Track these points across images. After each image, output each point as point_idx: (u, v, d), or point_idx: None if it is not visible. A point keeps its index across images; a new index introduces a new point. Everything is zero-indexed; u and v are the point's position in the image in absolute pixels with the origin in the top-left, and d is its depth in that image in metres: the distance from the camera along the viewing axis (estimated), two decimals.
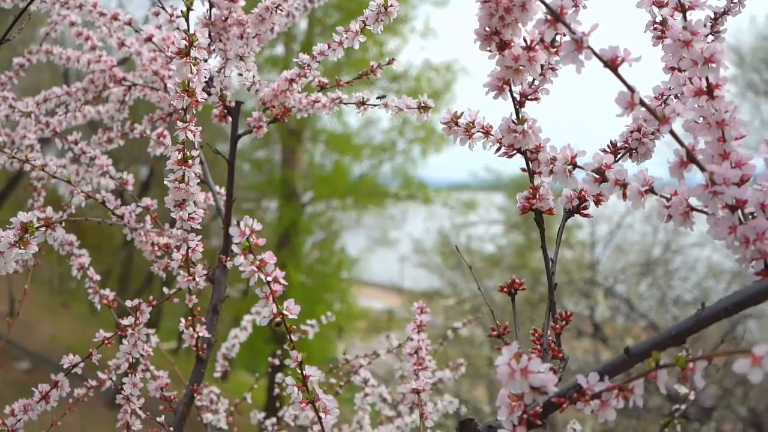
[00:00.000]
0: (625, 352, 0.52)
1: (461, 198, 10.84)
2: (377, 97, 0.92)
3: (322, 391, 0.64)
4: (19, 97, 1.19)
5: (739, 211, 0.52)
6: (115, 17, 1.08)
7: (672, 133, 0.51)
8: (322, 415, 0.64)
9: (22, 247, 0.67)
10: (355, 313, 11.10)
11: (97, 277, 1.10)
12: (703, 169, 0.51)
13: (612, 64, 0.50)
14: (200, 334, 0.96)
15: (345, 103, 0.97)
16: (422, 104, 0.82)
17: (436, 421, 1.28)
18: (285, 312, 0.63)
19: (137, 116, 1.34)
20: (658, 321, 6.42)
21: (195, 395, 0.98)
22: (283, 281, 0.62)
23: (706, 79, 0.53)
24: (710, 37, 0.71)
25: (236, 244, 0.61)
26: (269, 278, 0.62)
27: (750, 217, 0.51)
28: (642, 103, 0.50)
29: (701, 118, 0.54)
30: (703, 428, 5.44)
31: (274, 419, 1.33)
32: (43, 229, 0.65)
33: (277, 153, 11.59)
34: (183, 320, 0.96)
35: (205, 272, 0.90)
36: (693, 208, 0.54)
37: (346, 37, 0.89)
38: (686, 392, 1.10)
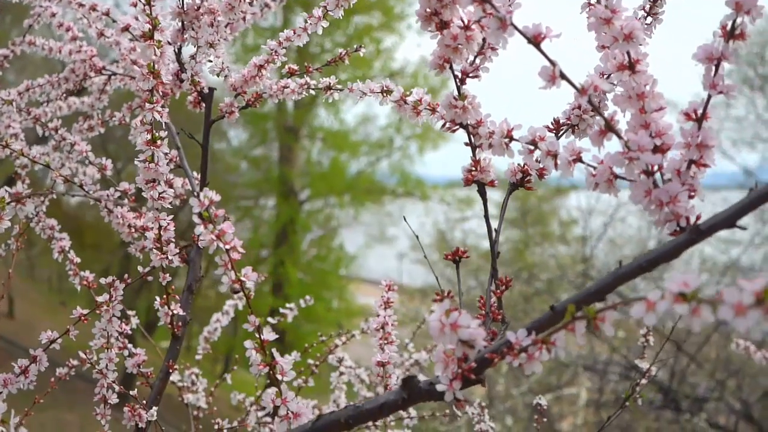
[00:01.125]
0: (551, 309, 0.56)
1: (458, 195, 10.88)
2: (339, 83, 0.96)
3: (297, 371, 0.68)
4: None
5: (658, 176, 0.56)
6: (93, 8, 1.12)
7: (591, 103, 0.55)
8: (279, 377, 0.68)
9: None
10: (353, 310, 11.11)
11: (78, 260, 1.14)
12: (620, 138, 0.55)
13: (535, 40, 0.54)
14: (175, 312, 1.00)
15: (313, 89, 1.01)
16: (385, 88, 0.86)
17: None
18: (243, 279, 0.66)
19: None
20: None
21: (170, 371, 1.02)
22: (241, 249, 0.66)
23: (628, 54, 0.57)
24: (649, 19, 0.75)
25: (196, 214, 0.64)
26: (228, 246, 0.65)
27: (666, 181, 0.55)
28: (562, 76, 0.54)
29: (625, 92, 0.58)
30: (694, 419, 5.49)
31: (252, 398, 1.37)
32: (13, 204, 0.69)
33: (274, 151, 11.63)
34: (158, 299, 1.00)
35: (177, 251, 0.93)
36: (616, 176, 0.58)
37: (310, 23, 0.93)
38: (647, 367, 1.14)
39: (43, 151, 1.21)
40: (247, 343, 0.68)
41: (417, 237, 1.05)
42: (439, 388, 0.58)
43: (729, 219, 0.51)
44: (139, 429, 0.99)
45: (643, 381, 1.12)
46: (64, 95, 1.23)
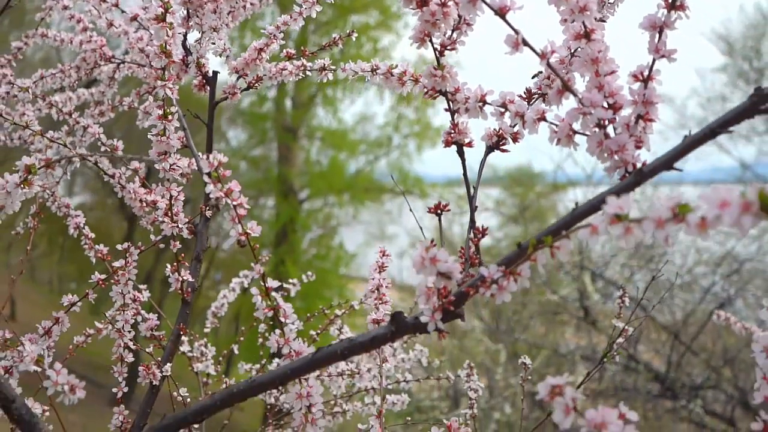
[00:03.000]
0: (518, 246, 0.64)
1: (458, 192, 10.95)
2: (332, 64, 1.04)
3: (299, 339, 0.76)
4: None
5: (611, 129, 0.64)
6: (102, 0, 1.20)
7: (550, 66, 0.63)
8: (282, 319, 0.76)
9: (25, 187, 0.79)
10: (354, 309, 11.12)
11: (92, 235, 1.22)
12: (575, 95, 0.63)
13: (501, 12, 0.62)
14: (185, 278, 1.08)
15: (309, 71, 1.09)
16: (374, 67, 0.94)
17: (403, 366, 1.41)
18: (249, 231, 0.75)
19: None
20: (647, 305, 6.55)
21: (181, 333, 1.10)
22: (246, 206, 0.74)
23: (583, 24, 0.65)
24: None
25: (206, 174, 0.72)
26: (235, 203, 0.74)
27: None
28: (525, 42, 0.62)
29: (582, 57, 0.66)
30: (690, 405, 5.57)
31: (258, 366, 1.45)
32: (44, 169, 0.77)
33: (273, 151, 11.71)
34: (169, 266, 1.08)
35: (186, 220, 1.02)
36: (575, 131, 0.66)
37: (305, 8, 1.02)
38: (621, 326, 1.22)
39: (56, 136, 1.30)
40: (254, 290, 0.76)
41: (421, 228, 1.11)
42: (423, 319, 0.66)
43: (667, 162, 0.59)
44: (153, 387, 1.07)
45: (620, 339, 1.20)
46: (75, 84, 1.31)
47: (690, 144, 0.58)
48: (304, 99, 11.43)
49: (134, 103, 1.31)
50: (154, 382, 1.07)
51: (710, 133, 0.57)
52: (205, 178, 0.73)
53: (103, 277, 1.02)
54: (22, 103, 1.40)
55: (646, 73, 0.64)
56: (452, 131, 0.74)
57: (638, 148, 0.63)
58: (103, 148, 1.21)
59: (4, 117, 1.11)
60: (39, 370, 0.75)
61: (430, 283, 0.65)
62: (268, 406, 1.47)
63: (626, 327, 1.20)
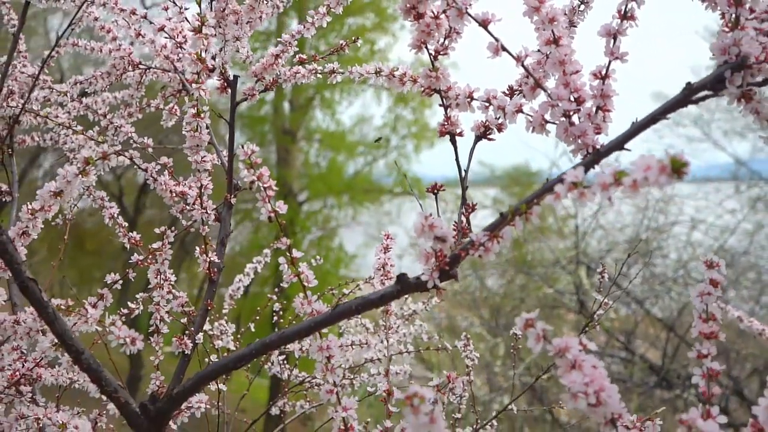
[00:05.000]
0: (500, 215, 0.78)
1: (457, 193, 11.07)
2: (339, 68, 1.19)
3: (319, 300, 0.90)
4: None
5: (576, 118, 0.79)
6: (133, 12, 1.34)
7: (524, 67, 0.77)
8: (305, 284, 0.90)
9: (84, 176, 0.93)
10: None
11: (126, 224, 1.36)
12: (545, 91, 0.77)
13: (484, 23, 0.77)
14: (212, 259, 1.22)
15: (319, 73, 1.24)
16: (378, 69, 1.08)
17: (405, 339, 1.55)
18: (277, 208, 0.89)
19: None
20: (641, 297, 6.71)
21: (209, 308, 1.24)
22: (275, 188, 0.88)
23: (552, 32, 0.79)
24: (582, 6, 0.97)
25: (242, 160, 0.87)
26: (265, 185, 0.88)
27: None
28: (503, 48, 0.76)
29: (550, 60, 0.80)
30: (684, 395, 5.72)
31: None
32: (101, 160, 0.91)
33: (272, 153, 11.83)
34: (197, 249, 1.22)
35: (214, 206, 1.16)
36: (546, 121, 0.80)
37: (317, 18, 1.16)
38: (601, 301, 1.36)
39: (90, 135, 1.44)
40: (281, 259, 0.90)
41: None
42: (423, 277, 0.80)
43: (618, 143, 0.73)
44: (185, 355, 1.21)
45: (600, 311, 1.34)
46: (107, 88, 1.45)
47: (636, 128, 0.72)
48: (302, 101, 11.58)
49: (160, 105, 1.45)
50: (186, 351, 1.21)
51: (652, 119, 0.71)
52: (240, 165, 0.87)
53: (141, 258, 1.16)
54: (56, 106, 1.54)
55: (603, 72, 0.78)
56: (445, 123, 0.88)
57: (597, 133, 0.77)
58: (134, 146, 1.35)
59: (50, 119, 1.25)
60: (100, 330, 0.89)
61: (428, 247, 0.79)
62: (282, 381, 1.61)
63: (605, 300, 1.34)
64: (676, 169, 0.54)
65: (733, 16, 0.69)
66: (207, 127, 1.07)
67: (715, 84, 0.70)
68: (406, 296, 1.82)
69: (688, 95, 0.70)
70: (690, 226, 7.63)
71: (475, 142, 0.94)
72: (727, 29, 0.70)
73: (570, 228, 8.97)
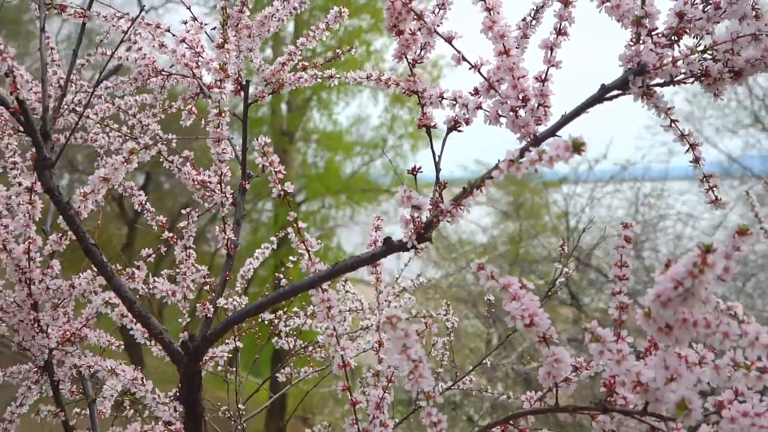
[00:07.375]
0: (463, 189, 0.99)
1: (453, 192, 11.26)
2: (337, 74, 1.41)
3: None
4: None
5: (522, 113, 1.00)
6: (158, 26, 1.56)
7: (480, 74, 0.99)
8: (309, 248, 1.12)
9: (128, 164, 1.15)
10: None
11: (153, 209, 1.58)
12: (497, 92, 0.99)
13: (449, 39, 0.98)
14: (230, 237, 1.44)
15: (320, 78, 1.45)
16: (369, 75, 1.29)
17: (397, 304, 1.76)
18: (286, 188, 1.10)
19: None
20: (632, 290, 6.93)
21: (227, 278, 1.46)
22: (283, 171, 1.10)
23: (503, 45, 1.01)
24: (534, 22, 1.19)
25: (256, 150, 1.08)
26: (276, 169, 1.09)
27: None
28: (464, 58, 0.98)
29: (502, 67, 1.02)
30: None
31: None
32: (143, 150, 1.12)
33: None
34: (217, 227, 1.44)
35: (232, 191, 1.37)
36: (500, 115, 1.02)
37: (318, 33, 1.38)
38: (565, 272, 1.57)
39: (125, 132, 1.65)
40: (289, 229, 1.12)
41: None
42: (403, 239, 1.02)
43: (550, 132, 0.95)
44: (207, 318, 1.43)
45: (561, 279, 1.55)
46: (135, 91, 1.67)
47: (564, 120, 0.94)
48: (300, 102, 11.79)
49: (181, 107, 1.66)
50: (208, 315, 1.42)
51: (575, 113, 0.93)
52: (256, 153, 1.09)
53: (171, 234, 1.37)
54: (83, 107, 1.75)
55: (543, 76, 1.00)
56: (422, 118, 1.10)
57: (538, 124, 0.99)
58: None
59: (90, 118, 1.47)
60: (145, 288, 1.10)
61: (407, 215, 1.01)
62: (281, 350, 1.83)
63: (565, 268, 1.56)
64: (576, 147, 0.76)
65: (635, 33, 0.91)
66: (227, 124, 1.28)
67: (622, 85, 0.91)
68: (398, 277, 2.05)
69: (603, 93, 0.92)
70: (677, 221, 7.87)
71: (447, 133, 1.16)
72: (631, 43, 0.92)
73: (565, 225, 9.19)
